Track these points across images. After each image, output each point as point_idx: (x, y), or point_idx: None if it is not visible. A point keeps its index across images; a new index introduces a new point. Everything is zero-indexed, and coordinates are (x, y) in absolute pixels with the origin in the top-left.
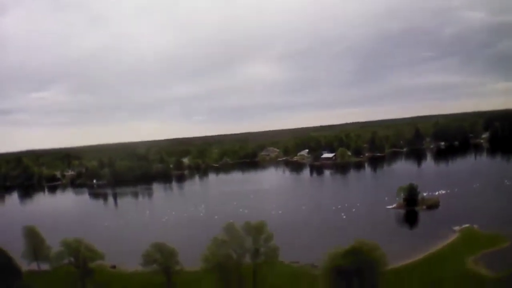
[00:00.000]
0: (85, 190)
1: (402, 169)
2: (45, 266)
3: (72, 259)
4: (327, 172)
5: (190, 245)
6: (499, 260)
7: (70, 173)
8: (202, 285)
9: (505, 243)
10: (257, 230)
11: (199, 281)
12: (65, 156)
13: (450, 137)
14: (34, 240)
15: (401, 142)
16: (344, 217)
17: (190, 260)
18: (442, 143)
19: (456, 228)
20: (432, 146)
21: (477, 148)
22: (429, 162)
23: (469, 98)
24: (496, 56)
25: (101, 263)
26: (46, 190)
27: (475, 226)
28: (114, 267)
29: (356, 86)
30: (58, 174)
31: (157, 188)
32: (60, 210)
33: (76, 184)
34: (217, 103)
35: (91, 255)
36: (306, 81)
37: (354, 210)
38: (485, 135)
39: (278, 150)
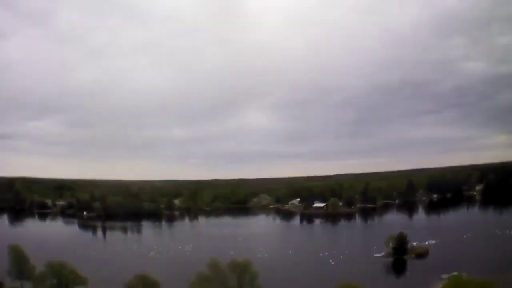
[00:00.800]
0: (75, 220)
1: (393, 220)
2: (28, 286)
3: (54, 281)
4: (317, 221)
5: (173, 280)
6: None
7: (61, 202)
8: None
9: None
10: (242, 268)
11: None
12: (58, 186)
13: (443, 189)
14: (18, 258)
15: (394, 193)
16: (332, 263)
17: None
18: (435, 196)
19: (445, 276)
20: (424, 199)
21: (470, 200)
22: (420, 214)
23: (466, 152)
24: (495, 108)
25: None
26: (36, 216)
27: (464, 274)
28: None
29: (352, 138)
30: (49, 202)
31: (147, 226)
32: (48, 236)
33: (66, 214)
34: (212, 147)
35: (74, 278)
36: (302, 131)
37: (341, 257)
38: (479, 187)
39: (269, 197)
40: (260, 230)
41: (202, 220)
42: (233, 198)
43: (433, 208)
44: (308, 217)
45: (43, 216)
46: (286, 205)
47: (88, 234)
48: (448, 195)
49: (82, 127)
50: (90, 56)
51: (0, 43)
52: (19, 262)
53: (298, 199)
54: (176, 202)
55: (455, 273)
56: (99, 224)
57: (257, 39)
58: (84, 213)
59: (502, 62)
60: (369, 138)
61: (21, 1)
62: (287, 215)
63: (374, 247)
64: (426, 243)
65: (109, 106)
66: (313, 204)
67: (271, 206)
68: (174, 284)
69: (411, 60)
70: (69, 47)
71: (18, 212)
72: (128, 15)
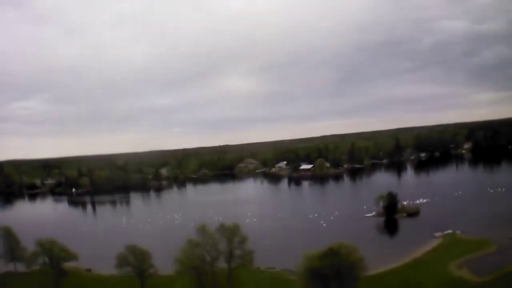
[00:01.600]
0: (64, 198)
1: (382, 180)
2: (21, 267)
3: (46, 259)
4: (305, 183)
5: (163, 250)
6: (484, 265)
7: (50, 181)
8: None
9: (490, 248)
10: (231, 232)
11: (173, 285)
12: (45, 166)
13: (431, 148)
14: (9, 240)
15: (381, 153)
16: (324, 224)
17: (164, 265)
18: (423, 154)
19: (438, 234)
20: (412, 158)
21: (459, 159)
22: (409, 173)
23: (451, 110)
24: (479, 65)
25: (76, 266)
26: (26, 197)
27: (458, 231)
28: (89, 270)
29: (335, 99)
30: (38, 182)
31: (135, 198)
32: (39, 215)
33: (55, 192)
34: (196, 115)
35: (65, 255)
36: (284, 94)
37: (332, 218)
38: (467, 146)
39: (256, 162)
40: (248, 195)
41: (189, 188)
42: (220, 165)
43: (421, 167)
44: (295, 179)
45: (33, 197)
46: (273, 169)
47: (78, 211)
48: (436, 154)
49: (66, 104)
50: (69, 33)
51: None
52: (11, 244)
53: (285, 162)
54: (163, 171)
55: (449, 231)
56: (88, 199)
57: (236, 5)
58: (73, 190)
59: (481, 20)
60: (352, 98)
61: None
62: (274, 179)
63: (364, 207)
64: (417, 201)
65: (91, 81)
66: (300, 166)
67: (258, 171)
68: (163, 252)
69: (390, 19)
70: (48, 26)
71: (8, 195)
72: None
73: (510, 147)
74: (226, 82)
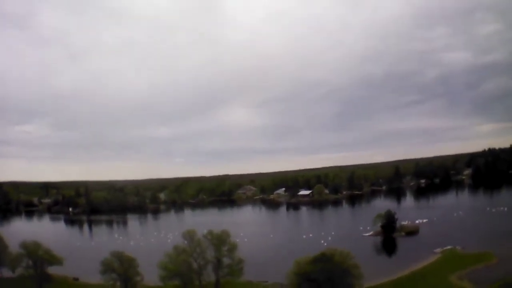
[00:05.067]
0: (61, 216)
1: (381, 205)
2: (8, 273)
3: (30, 262)
4: (303, 209)
5: (151, 263)
6: (485, 276)
7: (47, 200)
8: None
9: (491, 260)
10: (219, 239)
11: None
12: (44, 186)
13: (431, 174)
14: None
15: (380, 180)
16: (324, 243)
17: (151, 276)
18: (423, 181)
19: (438, 250)
20: (412, 184)
21: (459, 185)
22: (408, 199)
23: (452, 141)
24: (480, 97)
25: (64, 275)
26: (23, 214)
27: (458, 247)
28: (76, 279)
29: (337, 132)
30: (35, 200)
31: (132, 219)
32: (34, 230)
33: (52, 211)
34: (197, 145)
35: (49, 258)
36: (286, 126)
37: (329, 238)
38: (467, 172)
39: (254, 188)
40: (244, 219)
41: (187, 212)
42: (218, 191)
43: (421, 193)
44: (294, 205)
45: (30, 214)
46: (272, 195)
47: (74, 228)
48: (436, 180)
49: (68, 129)
50: (72, 58)
51: None
52: None
53: (283, 189)
54: (161, 196)
55: (448, 247)
56: (85, 219)
57: (238, 37)
58: (70, 209)
59: (485, 51)
60: (354, 131)
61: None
62: (273, 205)
63: (361, 228)
64: (417, 221)
65: (93, 108)
66: (298, 192)
67: (256, 197)
68: (150, 265)
69: (394, 52)
70: (50, 49)
71: (5, 212)
72: (109, 15)
73: (510, 171)
74: (227, 113)
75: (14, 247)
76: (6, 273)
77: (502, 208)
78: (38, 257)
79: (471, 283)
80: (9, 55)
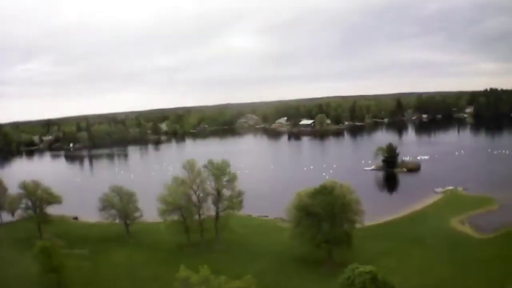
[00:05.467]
0: (62, 153)
1: (382, 138)
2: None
3: (29, 203)
4: (305, 139)
5: (150, 198)
6: (486, 222)
7: (48, 138)
8: (162, 233)
9: (493, 206)
10: (219, 169)
11: (158, 229)
12: (45, 123)
13: (433, 110)
14: None
15: (382, 113)
16: (326, 177)
17: (150, 212)
18: (425, 116)
19: (439, 189)
20: (414, 118)
21: (461, 123)
22: (410, 133)
23: (454, 77)
24: (481, 34)
25: (63, 214)
26: (23, 154)
27: (460, 188)
28: (76, 218)
29: (338, 60)
30: (36, 139)
31: (133, 151)
32: (34, 170)
33: (53, 148)
34: (199, 74)
35: (48, 198)
36: (288, 54)
37: (331, 171)
38: (469, 110)
39: (256, 117)
40: (245, 149)
41: (188, 142)
42: (220, 120)
43: (423, 128)
44: (295, 134)
45: (30, 153)
46: (273, 124)
47: (75, 164)
48: (438, 116)
49: (69, 64)
50: None
51: None
52: None
53: (285, 118)
54: (162, 126)
55: (450, 188)
56: (86, 154)
57: None
58: (71, 144)
59: None
60: (356, 60)
61: None
62: (274, 134)
63: (362, 161)
64: (418, 158)
65: (95, 40)
66: (300, 122)
67: (258, 126)
68: (150, 201)
69: None
70: None
71: (5, 153)
72: None
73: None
74: (230, 39)
75: (12, 189)
76: (6, 217)
77: (504, 151)
78: (37, 196)
79: (472, 229)
80: None
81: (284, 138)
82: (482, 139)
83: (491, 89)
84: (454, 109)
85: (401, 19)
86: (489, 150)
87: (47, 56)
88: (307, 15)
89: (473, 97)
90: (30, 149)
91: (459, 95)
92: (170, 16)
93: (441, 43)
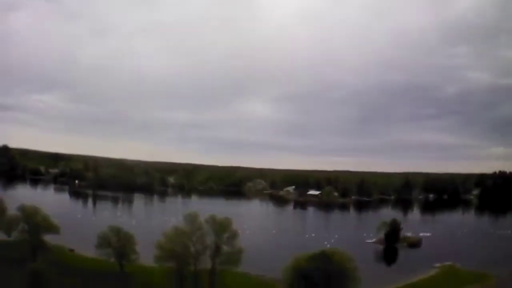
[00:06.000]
0: (66, 188)
1: (387, 214)
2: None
3: (26, 226)
4: (311, 209)
5: (148, 244)
6: None
7: (54, 170)
8: (156, 278)
9: (489, 281)
10: (221, 226)
11: (152, 274)
12: (53, 156)
13: (440, 190)
14: None
15: (390, 190)
16: (327, 245)
17: (146, 256)
18: (431, 195)
19: (437, 265)
20: (420, 197)
21: (467, 204)
22: (415, 212)
23: (464, 160)
24: (495, 119)
25: (60, 245)
26: (28, 182)
27: (458, 264)
28: (72, 250)
29: (351, 136)
30: (42, 169)
31: (138, 199)
32: (36, 197)
33: (58, 181)
34: (212, 133)
35: (46, 225)
36: (302, 125)
37: (332, 241)
38: (476, 192)
39: (264, 183)
40: (250, 212)
41: (194, 198)
42: (227, 181)
43: (428, 207)
44: (301, 204)
45: (35, 182)
46: (281, 192)
47: (78, 201)
48: (445, 196)
49: (84, 103)
50: (97, 33)
51: (12, 14)
52: None
53: (293, 187)
54: (170, 179)
55: (448, 263)
56: (90, 193)
57: (265, 30)
58: (76, 181)
59: (505, 74)
60: (369, 138)
61: None
62: (281, 201)
63: (365, 234)
64: (420, 234)
65: (112, 85)
66: (307, 191)
67: (265, 192)
68: (148, 246)
69: (416, 64)
70: (76, 23)
71: (10, 177)
72: None
73: None
74: (245, 105)
75: (13, 211)
76: (2, 236)
77: (507, 231)
78: (35, 222)
79: None
80: (37, 25)
81: (290, 205)
82: (486, 220)
83: (499, 171)
84: (461, 190)
85: (418, 100)
86: (492, 230)
87: (63, 91)
88: (325, 88)
89: (481, 179)
90: (36, 178)
91: (467, 176)
92: (190, 74)
93: (455, 127)
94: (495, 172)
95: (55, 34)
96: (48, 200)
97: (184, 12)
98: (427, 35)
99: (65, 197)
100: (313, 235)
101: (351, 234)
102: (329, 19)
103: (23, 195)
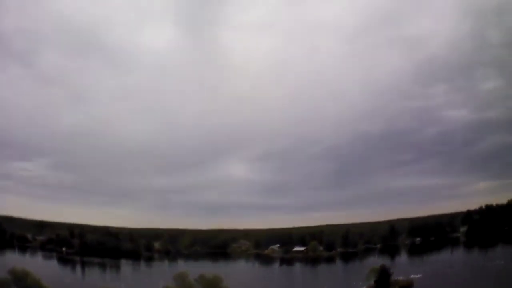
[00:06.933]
0: (54, 255)
1: (375, 262)
2: None
3: None
4: (297, 264)
5: None
6: None
7: (41, 238)
8: None
9: None
10: (211, 284)
11: None
12: (38, 224)
13: (426, 232)
14: None
15: (375, 239)
16: None
17: None
18: (418, 239)
19: None
20: (407, 242)
21: (455, 242)
22: (403, 256)
23: (449, 199)
24: (477, 154)
25: None
26: (16, 248)
27: None
28: None
29: (332, 190)
30: (29, 236)
31: (125, 265)
32: (26, 263)
33: (45, 248)
34: (194, 198)
35: None
36: (282, 183)
37: None
38: (463, 229)
39: (248, 243)
40: (237, 272)
41: (181, 263)
42: (213, 243)
43: (416, 250)
44: (287, 261)
45: (23, 249)
46: (266, 251)
47: (66, 267)
48: (432, 238)
49: (65, 171)
50: (74, 99)
51: None
52: None
53: (278, 245)
54: (156, 244)
55: None
56: (78, 259)
57: (240, 90)
58: (64, 248)
59: (484, 107)
60: (350, 190)
61: (4, 39)
62: (266, 260)
63: (354, 283)
64: (411, 276)
65: (91, 152)
66: (293, 248)
67: (250, 252)
68: None
69: (392, 109)
70: (53, 89)
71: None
72: (112, 60)
73: (506, 228)
74: (225, 167)
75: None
76: None
77: (499, 262)
78: (25, 285)
79: None
80: (12, 90)
81: (276, 263)
82: (476, 254)
83: (486, 205)
84: (448, 229)
85: (397, 146)
86: (483, 263)
87: (43, 159)
88: (301, 145)
89: (467, 216)
90: (23, 245)
91: (454, 215)
92: (168, 138)
93: (437, 168)
94: (481, 207)
95: (31, 100)
96: (37, 265)
97: (158, 76)
98: (401, 78)
99: (53, 263)
100: None
101: (340, 285)
102: (301, 72)
103: (13, 261)
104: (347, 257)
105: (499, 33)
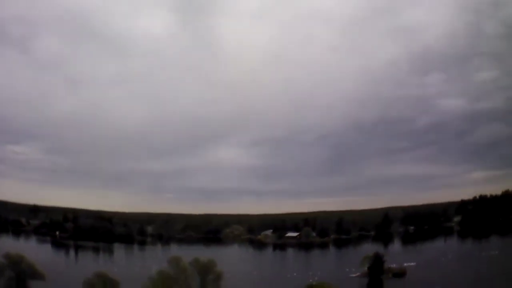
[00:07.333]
0: (48, 239)
1: (368, 249)
2: None
3: (12, 273)
4: (290, 250)
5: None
6: None
7: (35, 222)
8: None
9: None
10: (205, 268)
11: None
12: (32, 208)
13: (420, 221)
14: None
15: (369, 226)
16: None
17: None
18: (411, 227)
19: None
20: (400, 230)
21: (448, 231)
22: (396, 244)
23: (443, 189)
24: (472, 144)
25: None
26: (10, 232)
27: None
28: None
29: (326, 176)
30: (23, 220)
31: (118, 248)
32: (20, 247)
33: (39, 232)
34: (187, 182)
35: (32, 272)
36: (276, 169)
37: (316, 278)
38: (457, 219)
39: (242, 228)
40: (230, 257)
41: (173, 247)
42: (205, 228)
43: (409, 238)
44: (280, 246)
45: (17, 233)
46: (259, 236)
47: (60, 251)
48: (425, 227)
49: (59, 155)
50: (69, 85)
51: None
52: None
53: (271, 230)
54: (149, 229)
55: None
56: (71, 243)
57: (234, 75)
58: (57, 232)
59: (479, 98)
60: (344, 176)
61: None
62: (259, 245)
63: (347, 270)
64: (404, 264)
65: (86, 136)
66: (286, 234)
67: (243, 237)
68: None
69: (387, 97)
70: (48, 74)
71: None
72: (107, 46)
73: (500, 219)
74: (219, 152)
75: None
76: None
77: (493, 252)
78: (20, 269)
79: None
80: (6, 75)
81: (269, 249)
82: (469, 244)
83: (480, 195)
84: (442, 218)
85: (391, 134)
86: (477, 253)
87: (37, 143)
88: (296, 131)
89: (461, 206)
90: (17, 229)
91: (448, 204)
92: (162, 123)
93: (431, 157)
94: (475, 197)
95: (26, 85)
96: (31, 249)
97: (153, 61)
98: (397, 67)
99: (47, 247)
100: (295, 274)
101: (334, 271)
102: (295, 60)
103: (7, 245)
104: (340, 244)
105: (494, 24)
